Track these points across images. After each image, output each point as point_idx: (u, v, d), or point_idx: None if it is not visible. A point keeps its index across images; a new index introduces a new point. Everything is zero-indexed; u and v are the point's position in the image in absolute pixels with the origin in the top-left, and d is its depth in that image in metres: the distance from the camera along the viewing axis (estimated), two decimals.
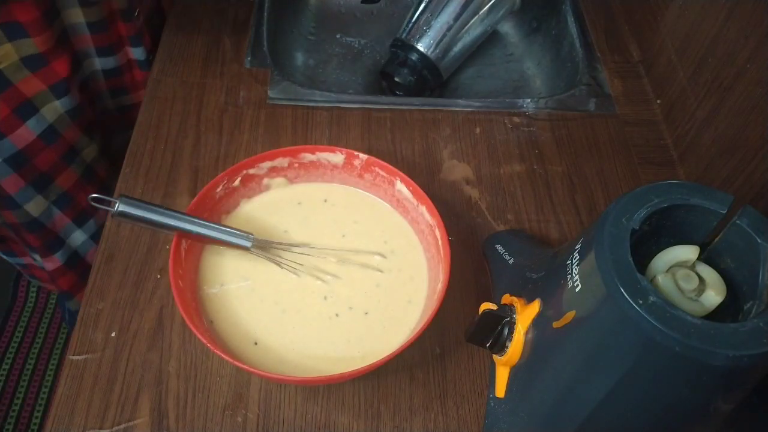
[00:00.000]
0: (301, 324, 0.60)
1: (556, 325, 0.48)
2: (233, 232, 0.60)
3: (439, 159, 0.78)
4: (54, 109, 0.77)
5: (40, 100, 0.75)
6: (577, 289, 0.45)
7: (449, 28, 0.87)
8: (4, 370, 1.41)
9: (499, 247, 0.67)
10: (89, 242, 0.92)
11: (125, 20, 0.82)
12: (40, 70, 0.73)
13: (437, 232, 0.62)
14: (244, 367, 0.52)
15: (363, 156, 0.66)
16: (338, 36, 1.04)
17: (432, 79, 0.92)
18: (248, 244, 0.60)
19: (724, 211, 0.44)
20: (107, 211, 0.57)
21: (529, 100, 0.85)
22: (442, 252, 0.60)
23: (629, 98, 0.87)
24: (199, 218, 0.60)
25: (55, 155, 0.80)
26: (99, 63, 0.84)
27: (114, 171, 0.86)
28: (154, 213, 0.57)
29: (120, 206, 0.55)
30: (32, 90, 0.73)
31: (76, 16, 0.76)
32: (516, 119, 0.83)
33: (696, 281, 0.43)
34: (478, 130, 0.82)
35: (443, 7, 0.88)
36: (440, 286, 0.58)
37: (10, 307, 1.51)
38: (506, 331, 0.53)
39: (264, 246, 0.63)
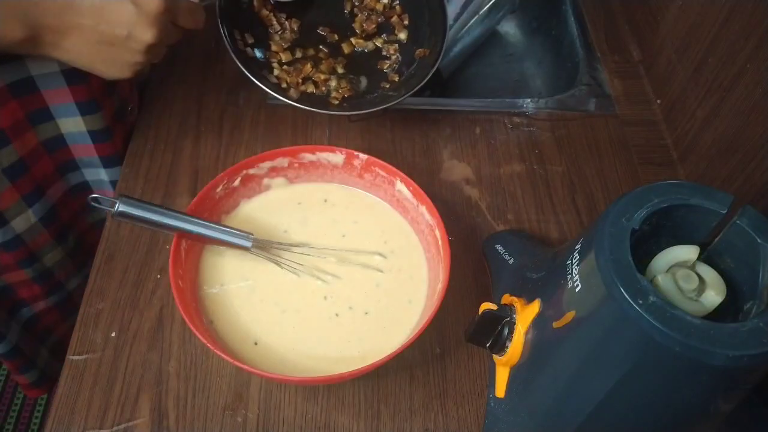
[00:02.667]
0: (301, 324, 0.60)
1: (556, 325, 0.48)
2: (233, 232, 0.60)
3: (439, 159, 0.78)
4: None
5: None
6: (577, 289, 0.45)
7: (449, 28, 0.88)
8: (4, 369, 1.41)
9: (499, 247, 0.67)
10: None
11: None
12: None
13: (437, 232, 0.62)
14: (244, 367, 0.52)
15: (363, 156, 0.66)
16: None
17: (432, 79, 0.92)
18: (248, 244, 0.60)
19: (724, 211, 0.44)
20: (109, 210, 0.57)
21: (529, 100, 0.85)
22: (442, 252, 0.60)
23: (629, 98, 0.87)
24: (199, 218, 0.60)
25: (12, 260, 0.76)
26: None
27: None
28: (154, 213, 0.57)
29: (120, 206, 0.55)
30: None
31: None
32: (516, 119, 0.83)
33: (696, 281, 0.43)
34: (478, 130, 0.82)
35: None
36: (440, 286, 0.58)
37: None
38: (506, 331, 0.53)
39: (264, 246, 0.63)
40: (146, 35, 0.56)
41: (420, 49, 0.78)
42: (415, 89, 0.73)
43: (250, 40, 0.75)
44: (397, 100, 0.72)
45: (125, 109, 0.77)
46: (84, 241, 0.85)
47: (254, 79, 0.69)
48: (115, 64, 0.58)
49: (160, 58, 0.61)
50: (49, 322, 0.90)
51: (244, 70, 0.69)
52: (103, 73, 0.59)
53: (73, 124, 0.71)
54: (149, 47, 0.57)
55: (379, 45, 0.80)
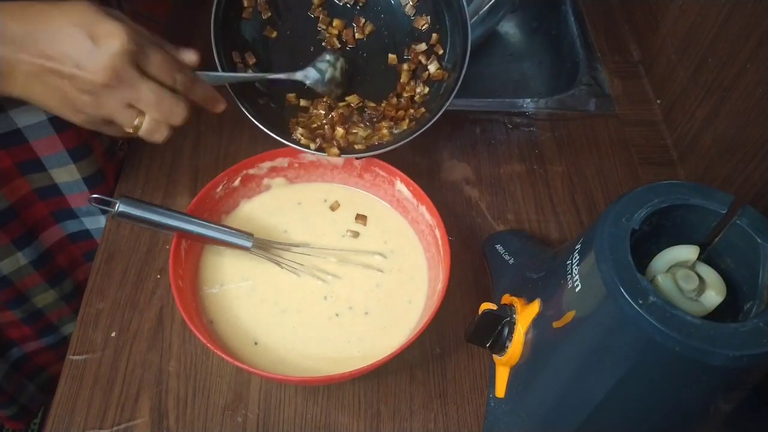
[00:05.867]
0: (301, 324, 0.60)
1: (556, 325, 0.48)
2: (233, 232, 0.60)
3: (439, 159, 0.78)
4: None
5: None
6: (577, 289, 0.45)
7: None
8: None
9: (499, 247, 0.67)
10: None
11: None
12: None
13: (437, 232, 0.62)
14: (244, 367, 0.52)
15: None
16: None
17: None
18: (248, 244, 0.60)
19: (724, 211, 0.44)
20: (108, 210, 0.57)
21: (529, 100, 0.85)
22: (442, 252, 0.60)
23: (629, 98, 0.87)
24: (199, 218, 0.60)
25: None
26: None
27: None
28: (154, 213, 0.57)
29: (120, 206, 0.55)
30: None
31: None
32: (516, 119, 0.83)
33: (696, 281, 0.43)
34: (478, 130, 0.82)
35: None
36: (440, 286, 0.58)
37: None
38: (506, 331, 0.53)
39: (264, 246, 0.63)
40: (96, 75, 0.47)
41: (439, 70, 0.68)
42: (429, 124, 0.63)
43: (251, 61, 0.67)
44: (410, 137, 0.63)
45: (115, 146, 0.75)
46: (84, 287, 0.84)
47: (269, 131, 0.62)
48: (60, 99, 0.49)
49: (129, 121, 0.51)
50: (41, 361, 0.89)
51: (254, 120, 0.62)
52: (55, 109, 0.50)
53: (67, 174, 0.69)
54: (99, 89, 0.48)
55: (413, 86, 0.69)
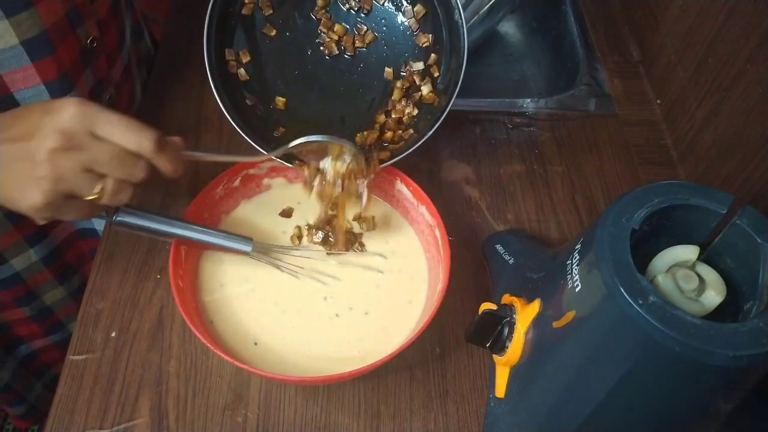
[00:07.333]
0: (301, 324, 0.60)
1: (556, 325, 0.48)
2: (233, 237, 0.60)
3: (439, 159, 0.78)
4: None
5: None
6: (577, 289, 0.45)
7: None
8: None
9: (499, 247, 0.67)
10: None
11: None
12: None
13: (437, 232, 0.62)
14: (244, 367, 0.52)
15: None
16: None
17: None
18: (248, 248, 0.60)
19: (724, 211, 0.44)
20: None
21: (529, 100, 0.85)
22: (442, 252, 0.60)
23: (629, 98, 0.87)
24: (198, 225, 0.59)
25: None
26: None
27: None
28: (153, 221, 0.56)
29: (119, 215, 0.55)
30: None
31: None
32: (516, 119, 0.83)
33: (696, 281, 0.43)
34: (478, 130, 0.82)
35: None
36: (440, 286, 0.58)
37: None
38: (506, 331, 0.54)
39: (264, 250, 0.62)
40: (46, 139, 0.45)
41: (430, 93, 0.66)
42: (413, 148, 0.62)
43: (245, 59, 0.66)
44: (396, 158, 0.62)
45: None
46: None
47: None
48: (21, 180, 0.47)
49: (89, 187, 0.48)
50: (48, 359, 0.90)
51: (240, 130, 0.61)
52: (16, 197, 0.48)
53: None
54: (52, 154, 0.46)
55: (402, 103, 0.68)
